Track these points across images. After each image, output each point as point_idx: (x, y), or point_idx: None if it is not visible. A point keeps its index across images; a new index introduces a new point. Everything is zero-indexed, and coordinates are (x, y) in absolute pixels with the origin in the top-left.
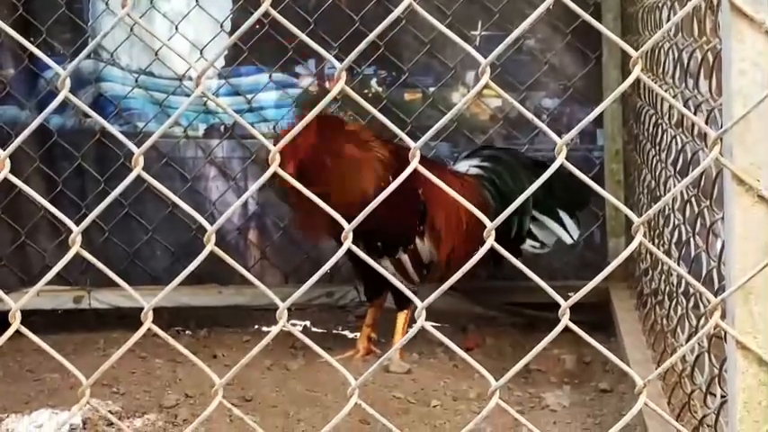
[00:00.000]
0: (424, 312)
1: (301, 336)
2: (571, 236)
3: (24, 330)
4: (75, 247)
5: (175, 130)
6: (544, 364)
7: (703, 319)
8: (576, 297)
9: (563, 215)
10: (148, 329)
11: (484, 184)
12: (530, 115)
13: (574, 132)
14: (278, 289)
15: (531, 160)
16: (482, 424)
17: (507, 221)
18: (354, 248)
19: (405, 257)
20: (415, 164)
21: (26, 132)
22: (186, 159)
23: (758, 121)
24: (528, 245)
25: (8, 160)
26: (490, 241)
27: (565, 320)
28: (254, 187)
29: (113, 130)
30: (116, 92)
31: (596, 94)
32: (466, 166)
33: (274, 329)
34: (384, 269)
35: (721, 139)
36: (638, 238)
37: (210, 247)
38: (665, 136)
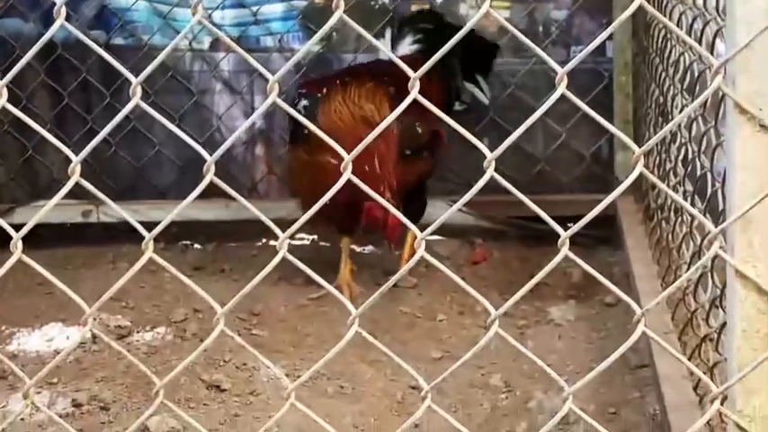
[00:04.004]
0: (424, 241)
1: (303, 266)
2: (486, 96)
3: (27, 260)
4: (75, 177)
5: (180, 43)
6: (550, 277)
7: (706, 242)
8: (574, 228)
9: (478, 78)
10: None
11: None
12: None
13: (575, 62)
14: (283, 203)
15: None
16: None
17: (449, 90)
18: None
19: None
20: (414, 94)
21: (32, 51)
22: (192, 73)
23: (762, 49)
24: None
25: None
26: (490, 171)
27: (564, 251)
28: (259, 111)
29: None
30: (120, 4)
31: (606, 4)
32: (406, 47)
33: (273, 261)
34: None
35: (725, 67)
36: (638, 169)
37: (210, 177)
38: (673, 51)
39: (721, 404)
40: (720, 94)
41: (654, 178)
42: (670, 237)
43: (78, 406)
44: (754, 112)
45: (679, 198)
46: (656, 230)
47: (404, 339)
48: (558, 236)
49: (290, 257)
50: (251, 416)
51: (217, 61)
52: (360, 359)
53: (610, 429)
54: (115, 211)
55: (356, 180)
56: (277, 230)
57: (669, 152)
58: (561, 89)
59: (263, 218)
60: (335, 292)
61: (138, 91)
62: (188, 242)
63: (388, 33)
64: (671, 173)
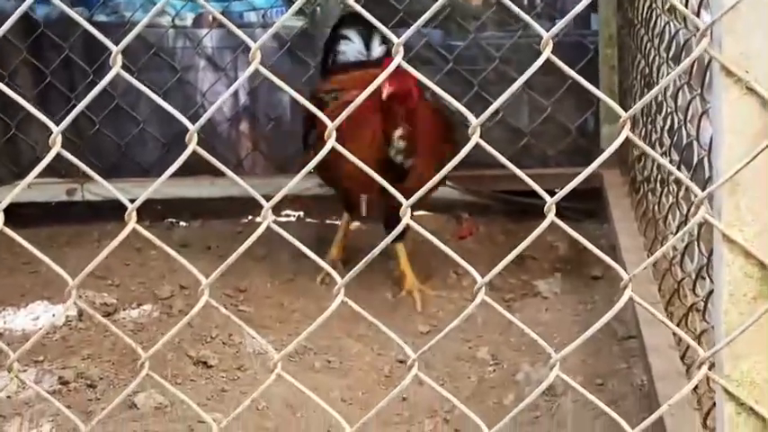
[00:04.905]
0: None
1: (289, 236)
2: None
3: (9, 232)
4: (56, 148)
5: (162, 20)
6: (537, 251)
7: (693, 208)
8: (560, 194)
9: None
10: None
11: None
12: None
13: (560, 25)
14: (269, 180)
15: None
16: (473, 312)
17: None
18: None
19: None
20: (398, 59)
21: (8, 23)
22: (175, 50)
23: (748, 10)
24: None
25: None
26: (475, 138)
27: (551, 217)
28: (241, 78)
29: None
30: None
31: None
32: (378, 49)
33: (258, 230)
34: None
35: (711, 30)
36: (625, 132)
37: (192, 146)
38: (658, 21)
39: (709, 370)
40: (707, 59)
41: (640, 142)
42: (656, 208)
43: (65, 383)
44: (740, 74)
45: (665, 161)
46: (643, 202)
47: (391, 314)
48: (544, 208)
49: (276, 227)
50: (238, 391)
51: (200, 38)
52: (347, 334)
53: (597, 400)
54: (100, 189)
55: (343, 150)
56: (261, 200)
57: (655, 123)
58: (546, 53)
59: (249, 189)
60: (321, 262)
61: (119, 60)
62: (173, 220)
63: (357, 38)
64: (657, 143)
